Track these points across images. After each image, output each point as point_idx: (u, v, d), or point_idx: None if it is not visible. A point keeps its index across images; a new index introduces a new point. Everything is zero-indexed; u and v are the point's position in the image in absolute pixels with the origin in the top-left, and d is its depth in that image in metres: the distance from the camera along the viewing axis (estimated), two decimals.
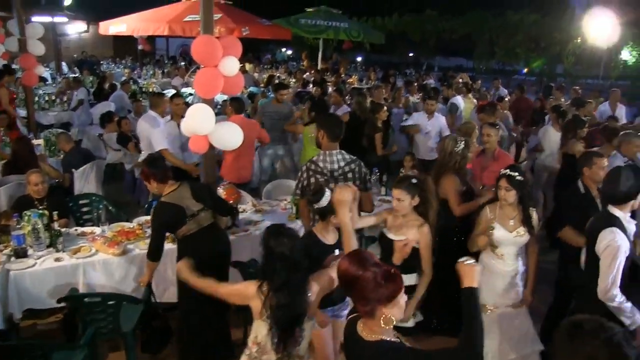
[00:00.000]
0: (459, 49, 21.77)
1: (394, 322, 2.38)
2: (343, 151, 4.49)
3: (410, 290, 3.75)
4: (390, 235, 4.01)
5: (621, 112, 10.22)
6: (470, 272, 2.59)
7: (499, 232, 4.20)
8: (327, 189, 3.65)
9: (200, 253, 3.92)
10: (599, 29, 14.75)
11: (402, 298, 2.41)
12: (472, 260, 2.59)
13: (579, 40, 15.65)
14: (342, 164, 4.41)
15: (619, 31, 15.13)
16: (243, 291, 3.03)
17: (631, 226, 3.59)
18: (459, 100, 9.94)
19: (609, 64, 16.58)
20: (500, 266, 4.26)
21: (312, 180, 4.36)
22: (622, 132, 6.33)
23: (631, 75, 16.85)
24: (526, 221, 4.21)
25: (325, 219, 3.64)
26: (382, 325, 2.37)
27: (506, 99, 10.80)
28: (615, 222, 3.53)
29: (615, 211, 3.59)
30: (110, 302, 4.13)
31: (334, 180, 4.31)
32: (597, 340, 1.96)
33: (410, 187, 3.94)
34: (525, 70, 17.02)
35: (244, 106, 7.19)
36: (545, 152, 7.87)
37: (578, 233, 4.37)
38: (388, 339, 2.40)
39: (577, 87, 12.49)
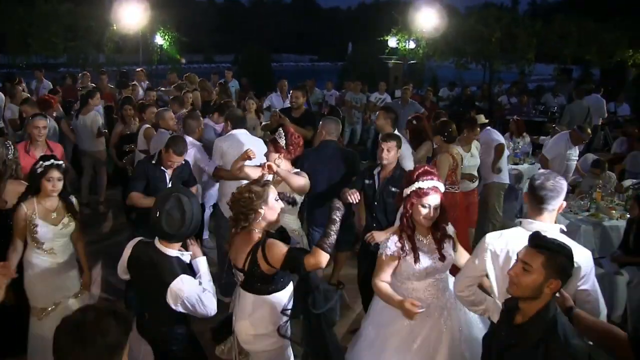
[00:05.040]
0: None
1: None
2: None
3: None
4: None
5: None
6: None
7: (43, 229, 4.06)
8: None
9: None
10: (130, 15, 15.39)
11: None
12: None
13: (115, 28, 15.94)
14: None
15: (149, 17, 16.09)
16: None
17: None
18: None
19: (147, 49, 17.40)
20: (52, 260, 4.14)
21: None
22: (158, 110, 7.12)
23: (171, 59, 18.08)
24: (70, 208, 4.22)
25: None
26: None
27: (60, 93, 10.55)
28: None
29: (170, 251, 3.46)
30: None
31: None
32: None
33: None
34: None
35: None
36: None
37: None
38: None
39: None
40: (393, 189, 5.00)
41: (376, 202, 5.12)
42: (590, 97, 13.36)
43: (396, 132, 6.26)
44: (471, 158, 6.93)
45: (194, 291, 3.13)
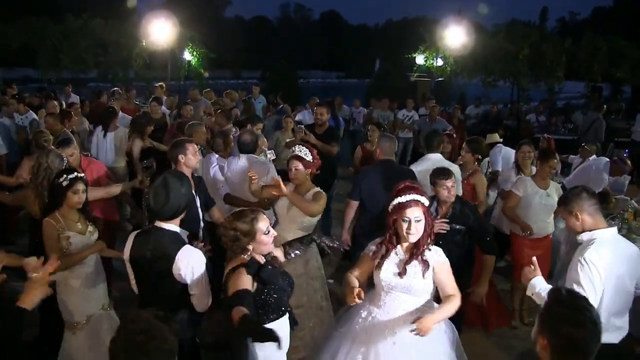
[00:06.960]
0: (21, 59, 19.82)
1: None
2: None
3: None
4: None
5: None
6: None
7: (75, 239, 4.09)
8: None
9: None
10: (158, 31, 15.61)
11: None
12: None
13: (144, 43, 16.14)
14: None
15: (178, 33, 16.28)
16: None
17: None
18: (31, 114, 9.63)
19: (175, 65, 17.58)
20: (84, 271, 4.18)
21: None
22: (189, 123, 6.87)
23: (197, 75, 18.19)
24: (90, 217, 4.33)
25: None
26: None
27: (77, 105, 10.78)
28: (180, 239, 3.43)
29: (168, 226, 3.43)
30: None
31: None
32: None
33: None
34: None
35: None
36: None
37: None
38: None
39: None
40: (458, 227, 4.73)
41: (440, 241, 4.38)
42: None
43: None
44: (547, 197, 5.81)
45: (201, 260, 3.31)
